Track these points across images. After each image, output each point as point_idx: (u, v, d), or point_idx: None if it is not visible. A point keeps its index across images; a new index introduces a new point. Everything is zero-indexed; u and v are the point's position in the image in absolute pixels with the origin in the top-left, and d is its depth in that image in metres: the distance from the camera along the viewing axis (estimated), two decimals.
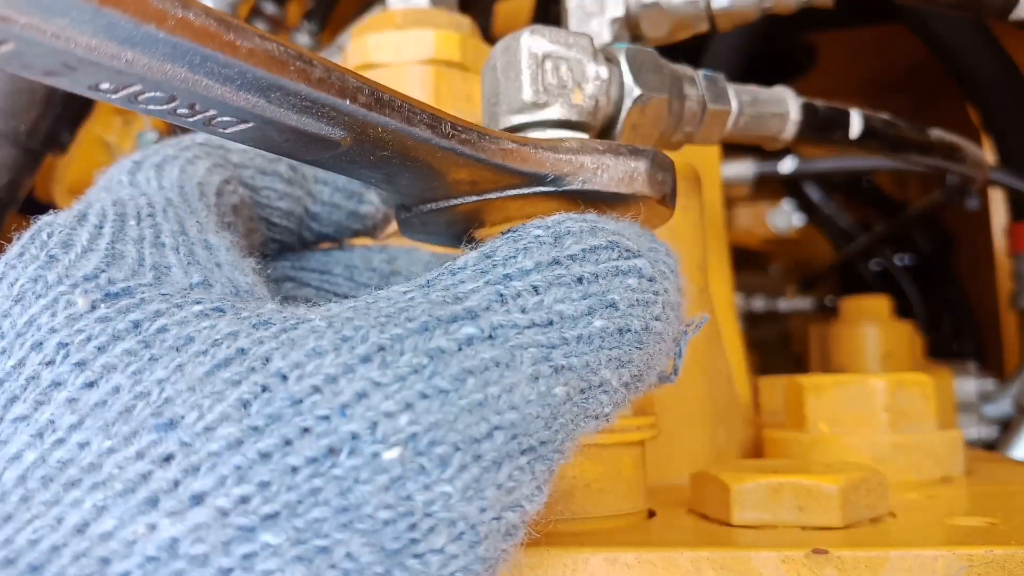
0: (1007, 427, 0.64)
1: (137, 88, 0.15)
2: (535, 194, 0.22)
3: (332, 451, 0.14)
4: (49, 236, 0.18)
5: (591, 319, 0.17)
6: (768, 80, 0.34)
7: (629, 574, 0.22)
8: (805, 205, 0.91)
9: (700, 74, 0.30)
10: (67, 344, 0.16)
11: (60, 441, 0.15)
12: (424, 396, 0.15)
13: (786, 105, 0.33)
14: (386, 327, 0.16)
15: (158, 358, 0.15)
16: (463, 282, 0.17)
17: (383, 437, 0.14)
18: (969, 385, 0.67)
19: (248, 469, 0.14)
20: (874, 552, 0.21)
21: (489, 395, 0.15)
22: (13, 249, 0.18)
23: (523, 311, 0.17)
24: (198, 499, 0.13)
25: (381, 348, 0.15)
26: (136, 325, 0.16)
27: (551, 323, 0.17)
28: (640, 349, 0.18)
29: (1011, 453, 0.61)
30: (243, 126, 0.17)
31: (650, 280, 0.19)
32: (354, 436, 0.14)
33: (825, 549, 0.21)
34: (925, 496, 0.30)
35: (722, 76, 0.31)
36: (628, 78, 0.27)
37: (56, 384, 0.15)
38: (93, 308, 0.16)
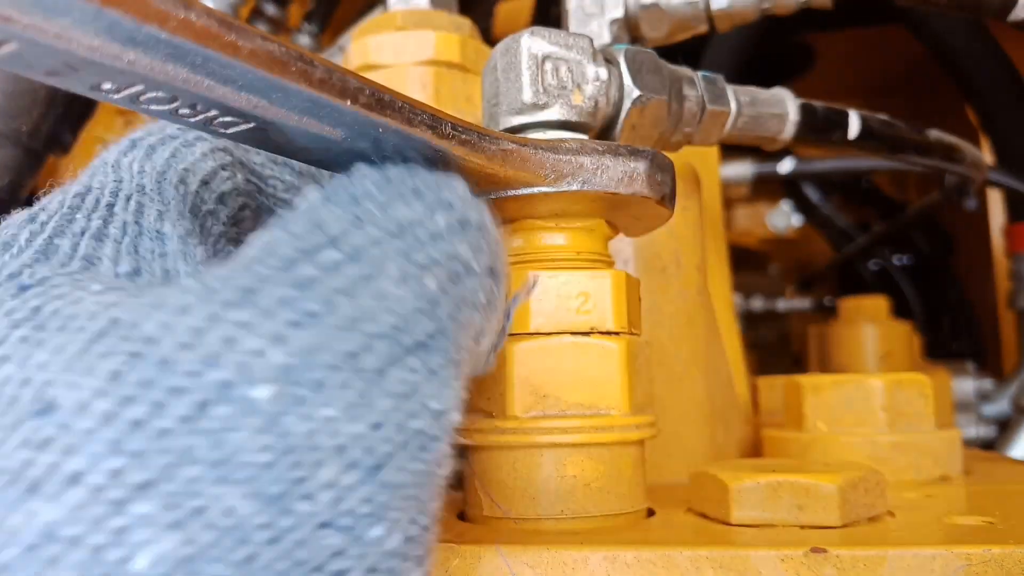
0: (1005, 427, 0.64)
1: (139, 88, 0.15)
2: (535, 194, 0.22)
3: (203, 404, 0.14)
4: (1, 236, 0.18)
5: (433, 216, 0.17)
6: (767, 81, 0.35)
7: (628, 573, 0.22)
8: (804, 205, 0.91)
9: (699, 75, 0.30)
10: None
11: None
12: (294, 324, 0.14)
13: (785, 106, 0.33)
14: (250, 268, 0.15)
15: (44, 342, 0.15)
16: (318, 210, 0.17)
17: (252, 377, 0.14)
18: (967, 385, 0.67)
19: (120, 441, 0.13)
20: (873, 551, 0.21)
21: (362, 306, 0.15)
22: None
23: (376, 226, 0.16)
24: (74, 479, 0.13)
25: (247, 290, 0.15)
26: (35, 311, 0.16)
27: (403, 229, 0.17)
28: (484, 236, 0.18)
29: (1009, 452, 0.61)
30: (244, 126, 0.17)
31: (467, 190, 0.19)
32: (224, 384, 0.14)
33: (824, 548, 0.21)
34: (923, 495, 0.31)
35: (721, 77, 0.31)
36: (627, 79, 0.27)
37: None
38: (2, 303, 0.16)
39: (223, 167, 0.23)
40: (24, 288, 0.17)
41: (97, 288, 0.16)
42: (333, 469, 0.14)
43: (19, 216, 0.19)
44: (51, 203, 0.20)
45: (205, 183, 0.23)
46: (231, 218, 0.24)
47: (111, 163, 0.22)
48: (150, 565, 0.12)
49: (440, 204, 0.18)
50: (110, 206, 0.20)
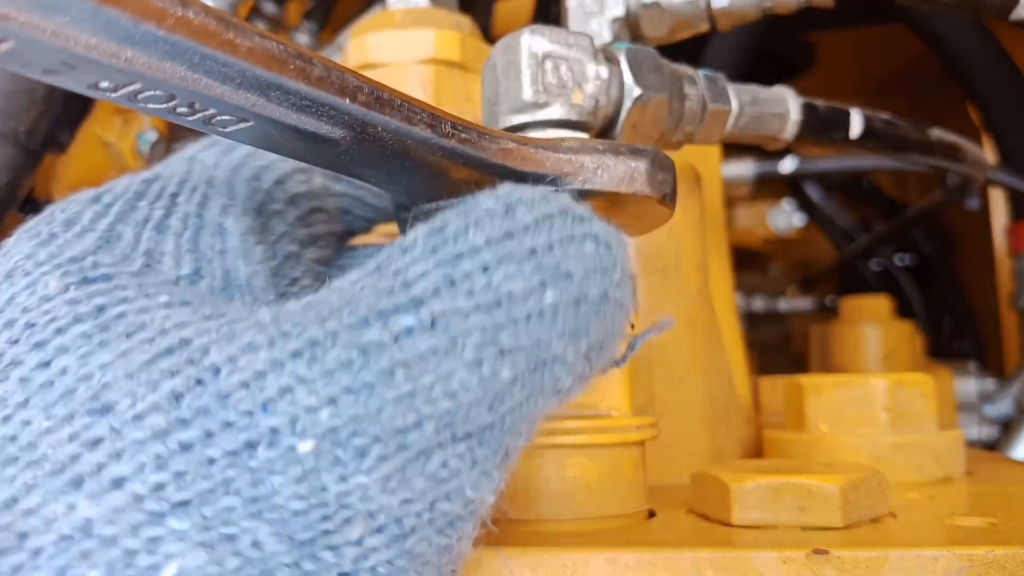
0: (1007, 427, 0.64)
1: (137, 87, 0.15)
2: None
3: (250, 444, 0.14)
4: (61, 212, 0.19)
5: (543, 294, 0.16)
6: (768, 80, 0.34)
7: (629, 575, 0.22)
8: (805, 205, 0.91)
9: (700, 74, 0.30)
10: (33, 324, 0.16)
11: (7, 418, 0.15)
12: (349, 391, 0.15)
13: (786, 105, 0.33)
14: (325, 322, 0.16)
15: (108, 343, 0.16)
16: (413, 263, 0.16)
17: (301, 431, 0.15)
18: (969, 385, 0.67)
19: (168, 458, 0.14)
20: (874, 552, 0.21)
21: (421, 385, 0.15)
22: (28, 222, 0.19)
23: (470, 294, 0.16)
24: (117, 483, 0.14)
25: (313, 343, 0.15)
26: (100, 309, 0.16)
27: (499, 304, 0.16)
28: (598, 317, 0.17)
29: (1011, 453, 0.61)
30: (243, 125, 0.17)
31: (607, 246, 0.18)
32: (273, 431, 0.14)
33: (825, 549, 0.21)
34: (925, 496, 0.30)
35: (722, 76, 0.31)
36: (628, 78, 0.26)
37: (15, 363, 0.16)
38: (65, 290, 0.17)
39: (301, 170, 0.23)
40: (88, 280, 0.17)
41: (164, 300, 0.17)
42: (360, 529, 0.15)
43: (84, 194, 0.20)
44: (118, 185, 0.20)
45: (279, 182, 0.23)
46: (300, 219, 0.24)
47: (187, 156, 0.22)
48: None
49: (556, 275, 0.16)
50: (174, 196, 0.20)
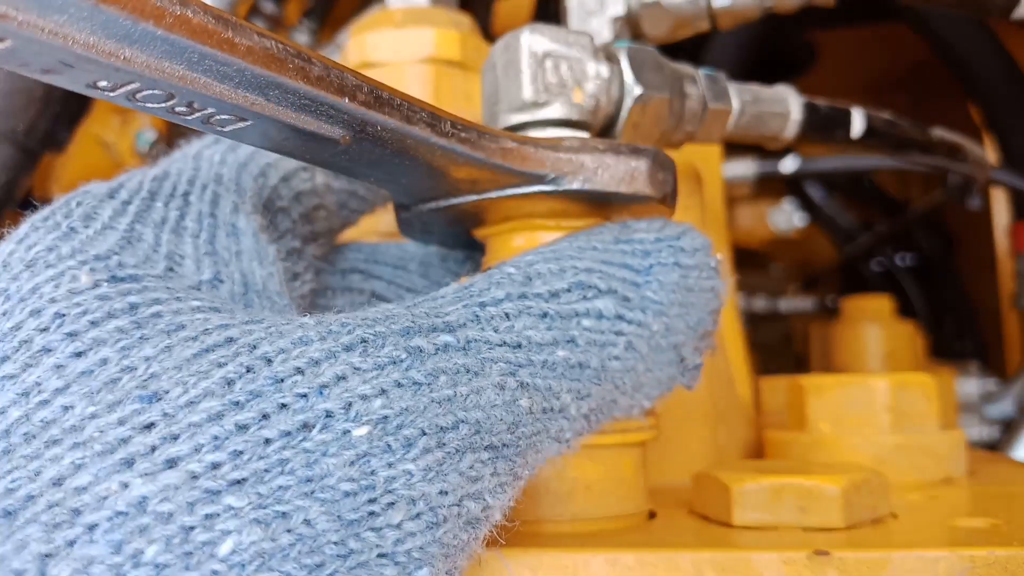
0: (1009, 427, 0.64)
1: (135, 86, 0.15)
2: (535, 193, 0.22)
3: (306, 426, 0.15)
4: (77, 206, 0.19)
5: (555, 349, 0.19)
6: (769, 79, 0.34)
7: (630, 575, 0.22)
8: (806, 205, 0.91)
9: (701, 73, 0.30)
10: (63, 315, 0.17)
11: (44, 402, 0.15)
12: (399, 385, 0.16)
13: (787, 104, 0.33)
14: (372, 326, 0.17)
15: (148, 338, 0.16)
16: (443, 305, 0.19)
17: (356, 416, 0.15)
18: (971, 385, 0.66)
19: (224, 439, 0.15)
20: (876, 553, 0.21)
21: (458, 393, 0.17)
22: (43, 211, 0.19)
23: (496, 331, 0.18)
24: (172, 463, 0.14)
25: (364, 340, 0.16)
26: (133, 307, 0.17)
27: (520, 345, 0.18)
28: (598, 385, 0.20)
29: (1013, 454, 0.61)
30: (241, 124, 0.17)
31: (614, 319, 0.20)
32: (328, 414, 0.15)
33: (827, 550, 0.21)
34: (927, 497, 0.30)
35: (723, 75, 0.31)
36: (629, 77, 0.26)
37: (46, 350, 0.16)
38: (96, 286, 0.17)
39: (304, 168, 0.24)
40: (118, 279, 0.18)
41: (196, 304, 0.18)
42: (402, 514, 0.16)
43: (97, 188, 0.20)
44: (131, 181, 0.21)
45: (285, 179, 0.24)
46: (304, 216, 0.25)
47: (192, 154, 0.23)
48: (232, 551, 0.14)
49: (565, 338, 0.19)
50: (186, 195, 0.21)
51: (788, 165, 0.68)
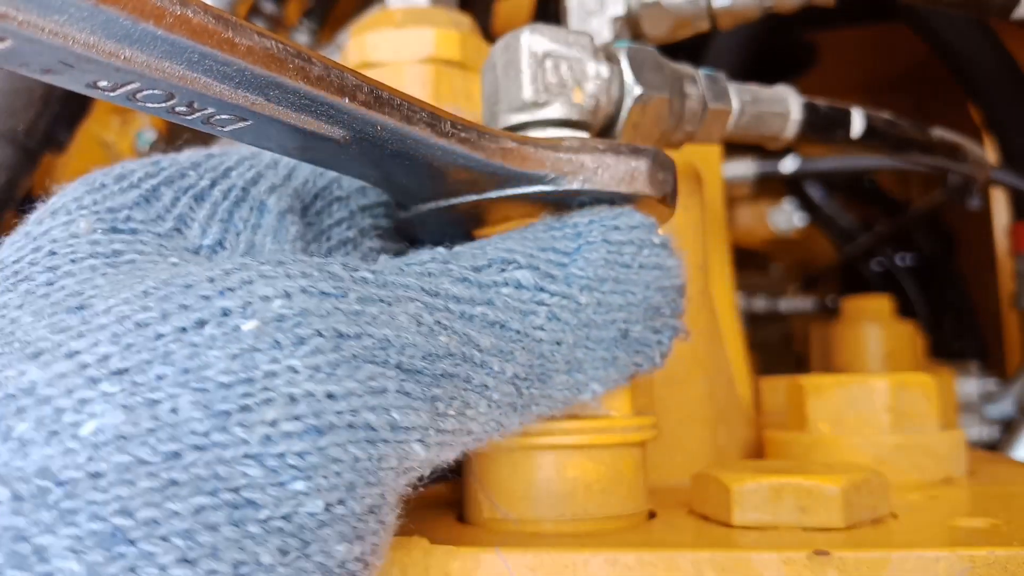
0: (1009, 427, 0.64)
1: (135, 86, 0.15)
2: (535, 193, 0.22)
3: (200, 323, 0.16)
4: (121, 168, 0.21)
5: (473, 305, 0.20)
6: (769, 79, 0.34)
7: (629, 575, 0.22)
8: (806, 205, 0.91)
9: (701, 73, 0.30)
10: (54, 253, 0.18)
11: (2, 316, 0.17)
12: (304, 291, 0.16)
13: (787, 104, 0.33)
14: (297, 265, 0.17)
15: (108, 276, 0.18)
16: (377, 267, 0.19)
17: (251, 314, 0.16)
18: (971, 385, 0.66)
19: (121, 336, 0.15)
20: (876, 553, 0.21)
21: (367, 311, 0.17)
22: (96, 171, 0.21)
23: (415, 277, 0.19)
24: (70, 355, 0.15)
25: (281, 263, 0.17)
26: (116, 254, 0.18)
27: (437, 294, 0.19)
28: (522, 348, 0.20)
29: (1013, 454, 0.61)
30: (241, 124, 0.17)
31: (534, 289, 0.21)
32: (224, 312, 0.16)
33: (826, 550, 0.21)
34: (927, 497, 0.30)
35: (723, 75, 0.31)
36: (629, 77, 0.26)
37: (26, 279, 0.18)
38: (92, 232, 0.19)
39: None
40: (116, 230, 0.19)
41: (175, 260, 0.19)
42: (277, 411, 0.15)
43: (150, 158, 0.21)
44: (183, 154, 0.22)
45: (339, 179, 0.24)
46: (363, 208, 0.25)
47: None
48: (92, 432, 0.14)
49: (483, 299, 0.20)
50: (228, 169, 0.22)
51: (788, 165, 0.68)
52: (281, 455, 0.15)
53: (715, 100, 0.30)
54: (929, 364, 0.69)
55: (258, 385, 0.15)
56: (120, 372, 0.15)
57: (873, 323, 0.66)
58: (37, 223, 0.19)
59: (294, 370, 0.15)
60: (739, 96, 0.31)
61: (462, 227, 0.24)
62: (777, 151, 0.66)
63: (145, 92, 0.15)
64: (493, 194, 0.22)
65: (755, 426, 0.42)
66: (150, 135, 0.60)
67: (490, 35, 0.48)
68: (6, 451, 0.14)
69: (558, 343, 0.21)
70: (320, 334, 0.16)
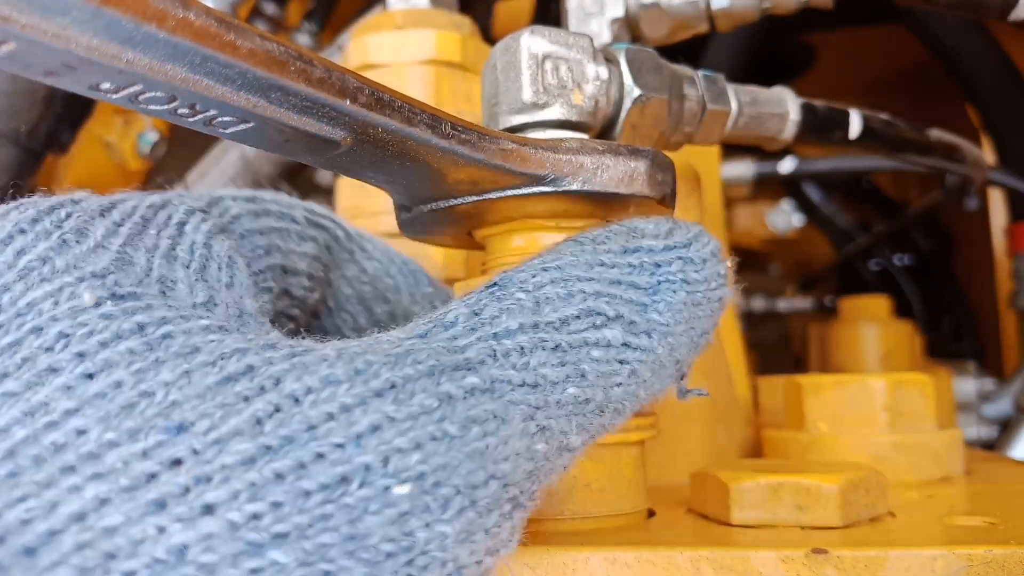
0: (1006, 427, 0.64)
1: (137, 88, 0.15)
2: (535, 194, 0.22)
3: (344, 479, 0.14)
4: (67, 216, 0.18)
5: (567, 386, 0.18)
6: (767, 80, 0.35)
7: (629, 574, 0.22)
8: (804, 205, 0.91)
9: (700, 74, 0.30)
10: (68, 335, 0.16)
11: (54, 424, 0.14)
12: (434, 438, 0.15)
13: (785, 105, 0.33)
14: (397, 366, 0.16)
15: (163, 361, 0.15)
16: (457, 337, 0.18)
17: (394, 472, 0.15)
18: (969, 385, 0.67)
19: (262, 487, 0.14)
20: (873, 552, 0.21)
21: (488, 445, 0.16)
22: (27, 210, 0.18)
23: (515, 369, 0.17)
24: (209, 509, 0.13)
25: (393, 385, 0.16)
26: (140, 327, 0.16)
27: (537, 385, 0.18)
28: (599, 417, 0.19)
29: (1011, 453, 0.61)
30: (243, 126, 0.17)
31: (620, 347, 0.19)
32: (367, 467, 0.15)
33: (824, 549, 0.21)
34: (924, 496, 0.30)
35: (722, 76, 0.31)
36: (628, 78, 0.27)
37: (53, 370, 0.15)
38: (98, 305, 0.16)
39: (311, 257, 0.24)
40: (119, 297, 0.17)
41: (205, 323, 0.17)
42: (436, 575, 0.15)
43: (88, 202, 0.19)
44: (126, 203, 0.20)
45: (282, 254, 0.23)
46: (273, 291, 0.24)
47: (200, 192, 0.22)
48: None
49: (577, 372, 0.18)
50: (181, 224, 0.20)
51: (786, 166, 0.68)
52: None
53: (714, 101, 0.30)
54: (927, 364, 0.69)
55: (417, 552, 0.15)
56: (282, 536, 0.14)
57: (871, 323, 0.66)
58: (3, 289, 0.17)
59: (445, 535, 0.15)
60: (737, 97, 0.31)
61: (463, 227, 0.25)
62: (775, 152, 0.66)
63: (147, 94, 0.15)
64: (493, 195, 0.22)
65: (753, 425, 0.42)
66: (152, 136, 0.60)
67: (490, 37, 0.48)
68: None
69: (631, 396, 0.20)
70: (459, 491, 0.15)
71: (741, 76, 0.36)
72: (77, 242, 0.18)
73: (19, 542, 0.12)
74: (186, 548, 0.13)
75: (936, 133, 0.40)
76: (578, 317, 0.19)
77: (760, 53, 0.69)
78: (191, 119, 0.16)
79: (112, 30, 0.14)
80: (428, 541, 0.15)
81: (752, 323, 0.90)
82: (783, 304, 0.92)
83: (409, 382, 0.16)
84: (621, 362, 0.19)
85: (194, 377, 0.15)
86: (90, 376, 0.15)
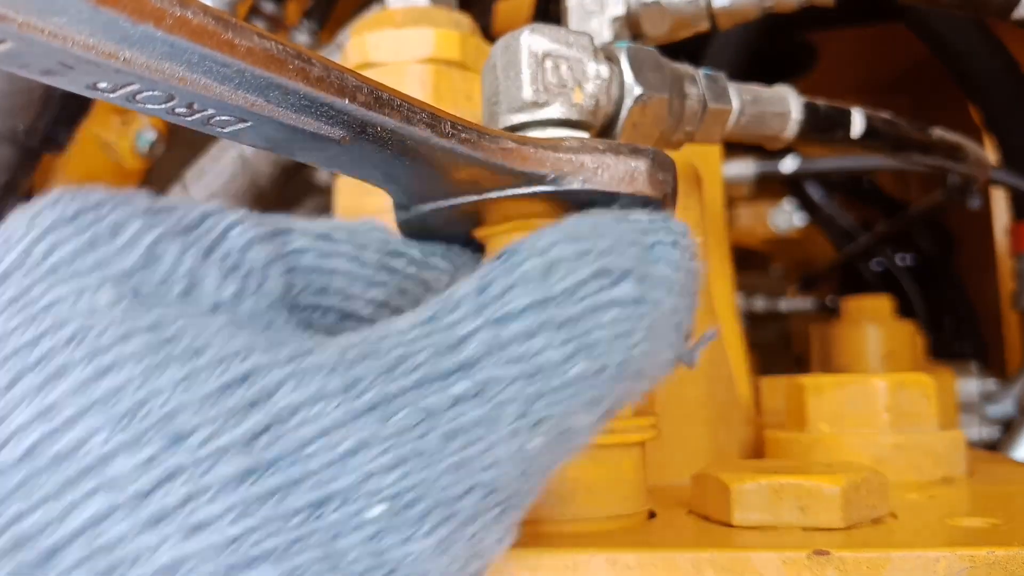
0: (1009, 427, 0.64)
1: (135, 87, 0.15)
2: (536, 193, 0.22)
3: (327, 500, 0.15)
4: (110, 211, 0.18)
5: (572, 364, 0.17)
6: (769, 79, 0.34)
7: (629, 575, 0.22)
8: (806, 205, 0.91)
9: (701, 73, 0.30)
10: (80, 334, 0.16)
11: (63, 428, 0.15)
12: (416, 454, 0.16)
13: (787, 104, 0.33)
14: (389, 376, 0.16)
15: (169, 363, 0.16)
16: (460, 322, 0.17)
17: (370, 493, 0.15)
18: (971, 385, 0.66)
19: (256, 503, 0.14)
20: (875, 553, 0.21)
21: (470, 455, 0.16)
22: (69, 203, 0.18)
23: (513, 361, 0.17)
24: (206, 524, 0.14)
25: (384, 399, 0.16)
26: (155, 326, 0.16)
27: (536, 374, 0.17)
28: (618, 382, 0.18)
29: (1013, 454, 0.61)
30: (241, 125, 0.17)
31: (635, 303, 0.18)
32: (344, 491, 0.15)
33: (826, 550, 0.21)
34: (926, 497, 0.30)
35: (723, 75, 0.31)
36: (629, 77, 0.26)
37: (64, 369, 0.15)
38: (114, 304, 0.17)
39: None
40: (138, 295, 0.17)
41: (218, 320, 0.17)
42: None
43: (137, 201, 0.19)
44: (171, 209, 0.19)
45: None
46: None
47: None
48: None
49: (584, 346, 0.17)
50: (226, 230, 0.20)
51: (788, 165, 0.68)
52: None
53: (715, 100, 0.30)
54: (929, 364, 0.69)
55: (390, 567, 0.15)
56: (270, 552, 0.14)
57: (873, 323, 0.66)
58: (33, 283, 0.17)
59: (422, 551, 0.15)
60: (739, 96, 0.31)
61: (462, 227, 0.25)
62: (777, 151, 0.66)
63: (145, 93, 0.15)
64: (493, 194, 0.22)
65: (755, 426, 0.42)
66: (150, 135, 0.60)
67: (490, 35, 0.48)
68: None
69: (648, 355, 0.19)
70: (436, 506, 0.16)
71: (743, 75, 0.36)
72: (110, 238, 0.18)
73: (38, 548, 0.13)
74: (184, 560, 0.13)
75: (938, 132, 0.40)
76: (590, 280, 0.18)
77: (762, 52, 0.69)
78: (189, 118, 0.16)
79: (109, 29, 0.14)
80: (404, 557, 0.15)
81: (753, 323, 0.90)
82: (784, 304, 0.91)
83: (398, 396, 0.16)
84: (639, 317, 0.18)
85: (196, 381, 0.15)
86: (99, 376, 0.15)
